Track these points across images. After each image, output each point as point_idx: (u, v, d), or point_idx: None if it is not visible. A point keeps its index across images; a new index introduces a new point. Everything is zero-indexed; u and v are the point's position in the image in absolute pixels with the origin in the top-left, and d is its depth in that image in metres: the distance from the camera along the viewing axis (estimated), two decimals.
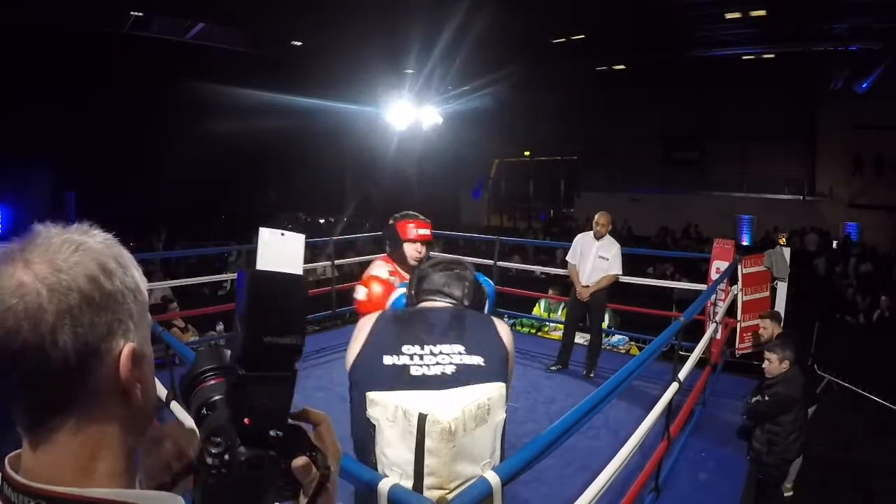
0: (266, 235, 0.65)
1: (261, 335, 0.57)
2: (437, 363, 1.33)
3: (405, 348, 1.35)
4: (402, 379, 1.30)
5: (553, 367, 4.94)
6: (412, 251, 2.64)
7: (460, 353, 1.34)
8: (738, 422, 4.12)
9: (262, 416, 0.58)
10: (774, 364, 3.67)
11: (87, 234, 0.60)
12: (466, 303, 1.54)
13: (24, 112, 9.88)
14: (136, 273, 0.61)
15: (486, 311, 1.70)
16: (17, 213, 11.02)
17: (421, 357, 1.34)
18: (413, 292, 1.59)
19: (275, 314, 0.57)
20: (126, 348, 0.55)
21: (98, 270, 0.55)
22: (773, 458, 3.51)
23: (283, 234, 0.65)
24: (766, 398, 3.62)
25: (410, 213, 2.73)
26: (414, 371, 1.31)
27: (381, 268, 2.67)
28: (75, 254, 0.55)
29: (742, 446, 3.73)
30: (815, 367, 6.22)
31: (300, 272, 0.61)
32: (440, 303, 1.52)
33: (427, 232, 2.68)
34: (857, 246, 13.36)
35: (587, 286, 4.76)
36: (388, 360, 1.34)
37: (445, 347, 1.36)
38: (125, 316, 0.56)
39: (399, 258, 2.67)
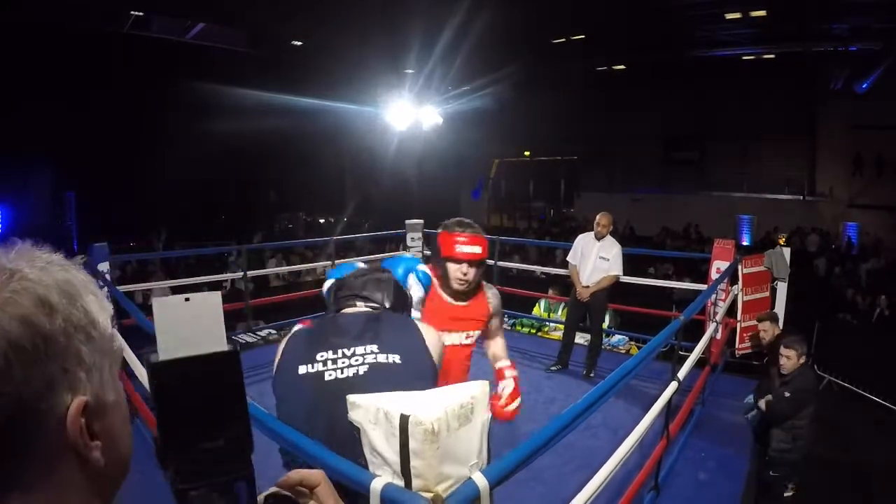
0: (163, 306, 0.48)
1: (183, 442, 0.47)
2: (350, 365, 1.31)
3: (319, 356, 1.33)
4: (316, 386, 1.30)
5: (553, 368, 4.94)
6: (456, 273, 2.10)
7: (374, 353, 1.32)
8: (738, 422, 4.11)
9: None
10: (793, 360, 3.69)
11: (24, 259, 0.47)
12: (387, 305, 1.50)
13: (24, 112, 9.88)
14: (93, 301, 0.49)
15: (415, 307, 1.73)
16: (17, 213, 11.03)
17: (334, 362, 1.32)
18: (332, 300, 1.54)
19: (195, 413, 0.46)
20: (75, 403, 0.45)
21: (35, 308, 0.44)
22: (797, 454, 3.58)
23: (187, 300, 0.49)
24: (787, 395, 3.63)
25: (465, 220, 2.17)
26: (328, 376, 1.30)
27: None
28: (5, 289, 0.44)
29: (742, 447, 3.72)
30: (815, 367, 6.22)
31: (224, 342, 0.48)
32: (359, 308, 1.48)
33: (478, 250, 2.11)
34: (861, 248, 13.36)
35: (587, 286, 4.76)
36: (302, 369, 1.33)
37: (359, 349, 1.33)
38: (72, 362, 0.46)
39: (441, 276, 2.14)
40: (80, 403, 0.45)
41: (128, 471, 0.51)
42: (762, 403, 3.73)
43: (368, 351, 1.33)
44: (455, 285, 2.13)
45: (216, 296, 0.50)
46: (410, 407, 1.03)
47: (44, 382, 0.44)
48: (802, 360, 3.70)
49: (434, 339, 1.43)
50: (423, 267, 1.87)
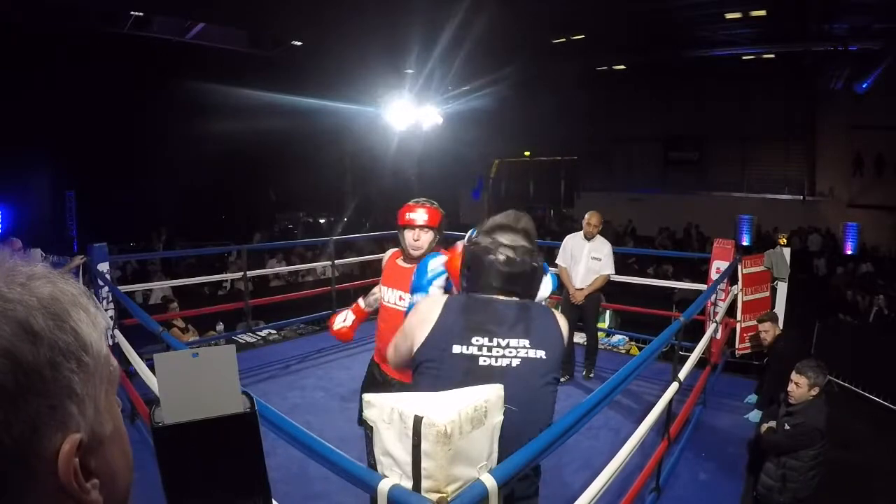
0: (166, 362, 0.42)
1: None
2: (504, 356, 1.40)
3: (475, 339, 1.40)
4: (469, 368, 1.38)
5: (562, 380, 4.81)
6: (409, 238, 2.42)
7: (526, 348, 1.41)
8: (739, 422, 4.12)
9: None
10: (803, 389, 3.19)
11: (1, 274, 0.41)
12: (533, 294, 1.56)
13: (24, 112, 9.88)
14: (84, 319, 0.43)
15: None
16: (18, 213, 11.02)
17: (490, 349, 1.40)
18: (474, 279, 1.52)
19: (207, 483, 0.42)
20: (66, 444, 0.39)
21: (15, 336, 0.38)
22: (786, 497, 3.10)
23: (195, 355, 0.43)
24: (787, 428, 3.15)
25: (422, 198, 2.51)
26: (482, 361, 1.39)
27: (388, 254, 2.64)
28: None
29: (743, 448, 3.73)
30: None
31: (239, 401, 0.43)
32: (509, 297, 1.49)
33: (424, 216, 2.41)
34: (861, 248, 13.38)
35: (581, 289, 4.67)
36: (457, 349, 1.40)
37: (513, 341, 1.41)
38: (61, 396, 0.40)
39: (401, 246, 2.49)
40: (73, 443, 0.40)
41: (128, 501, 0.46)
42: (763, 428, 3.34)
43: (521, 345, 1.42)
44: (410, 251, 2.43)
45: (230, 350, 0.46)
46: (425, 408, 1.04)
47: (28, 425, 0.38)
48: (814, 393, 3.18)
49: (566, 328, 1.52)
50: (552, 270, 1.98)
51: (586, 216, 4.78)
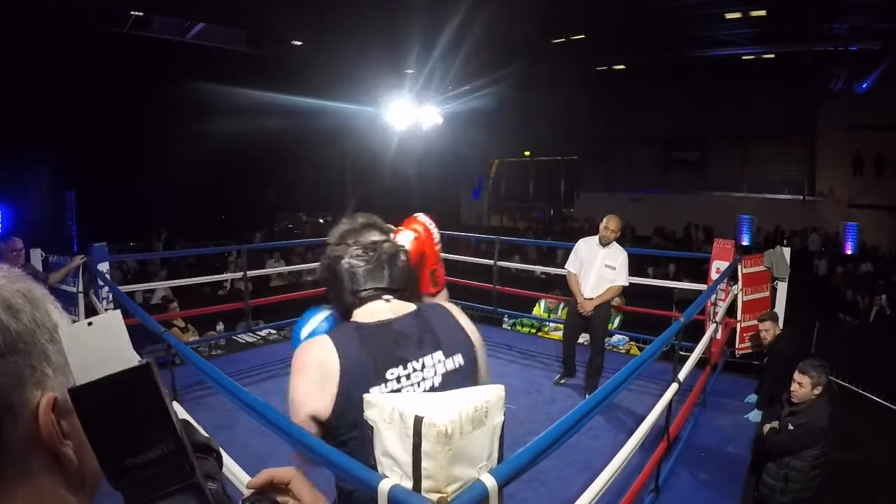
0: (70, 333, 0.48)
1: (117, 462, 0.47)
2: (424, 378, 1.25)
3: (389, 373, 1.23)
4: None
5: (562, 381, 4.67)
6: None
7: (441, 361, 1.27)
8: (738, 422, 4.12)
9: None
10: (806, 389, 3.20)
11: None
12: (407, 285, 1.37)
13: (24, 112, 9.87)
14: (54, 309, 0.51)
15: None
16: (18, 213, 11.02)
17: (408, 378, 1.24)
18: (341, 294, 1.34)
19: (121, 431, 0.47)
20: (45, 398, 0.46)
21: (1, 310, 0.46)
22: (788, 497, 3.10)
23: (90, 324, 0.48)
24: (791, 428, 3.15)
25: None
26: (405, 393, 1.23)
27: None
28: None
29: (743, 448, 3.73)
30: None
31: (133, 357, 0.48)
32: (387, 301, 1.33)
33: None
34: (861, 248, 13.39)
35: (590, 298, 4.31)
36: (375, 391, 1.21)
37: (427, 359, 1.26)
38: (39, 360, 0.47)
39: None
40: (50, 398, 0.47)
41: (100, 479, 0.51)
42: (766, 428, 3.34)
43: (436, 359, 1.27)
44: None
45: (116, 315, 0.50)
46: (425, 408, 1.03)
47: (13, 377, 0.45)
48: (817, 392, 3.20)
49: (467, 320, 1.35)
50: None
51: (604, 220, 4.41)
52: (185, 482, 0.49)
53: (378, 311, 1.31)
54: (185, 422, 0.62)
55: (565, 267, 4.63)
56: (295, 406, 1.26)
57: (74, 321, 0.50)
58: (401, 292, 1.36)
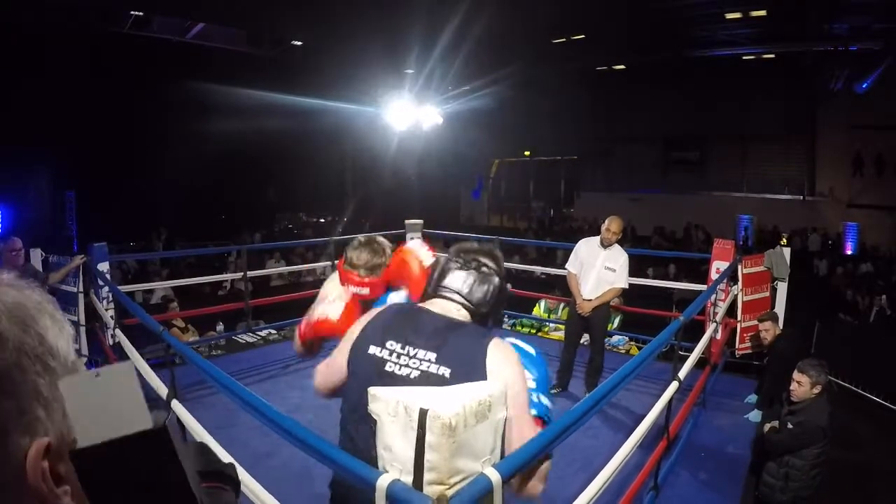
0: (71, 386, 0.41)
1: None
2: (407, 365, 1.32)
3: (389, 343, 1.36)
4: (378, 371, 1.33)
5: (553, 391, 4.61)
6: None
7: (430, 361, 1.32)
8: (738, 422, 4.12)
9: None
10: (805, 388, 3.20)
11: None
12: (484, 310, 1.45)
13: (24, 112, 9.88)
14: (50, 326, 0.43)
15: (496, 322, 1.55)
16: (18, 213, 11.03)
17: (398, 356, 1.34)
18: (430, 284, 1.51)
19: (132, 500, 0.41)
20: (34, 447, 0.39)
21: None
22: (788, 496, 3.10)
23: (97, 375, 0.42)
24: (790, 426, 3.16)
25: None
26: (387, 367, 1.34)
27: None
28: None
29: (742, 448, 3.73)
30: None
31: (147, 417, 0.42)
32: (452, 303, 1.44)
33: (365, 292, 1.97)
34: (860, 248, 13.39)
35: (589, 300, 4.28)
36: (371, 349, 1.38)
37: (420, 352, 1.33)
38: (28, 399, 0.40)
39: None
40: (41, 447, 0.39)
41: None
42: (765, 428, 3.34)
43: (427, 358, 1.33)
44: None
45: (128, 366, 0.44)
46: (430, 401, 1.04)
47: None
48: (816, 391, 3.20)
49: (503, 363, 1.32)
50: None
51: (606, 222, 4.36)
52: None
53: (435, 304, 1.45)
54: (203, 446, 0.58)
55: (565, 267, 4.59)
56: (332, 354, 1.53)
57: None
58: (474, 307, 1.44)
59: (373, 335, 1.40)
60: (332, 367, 1.50)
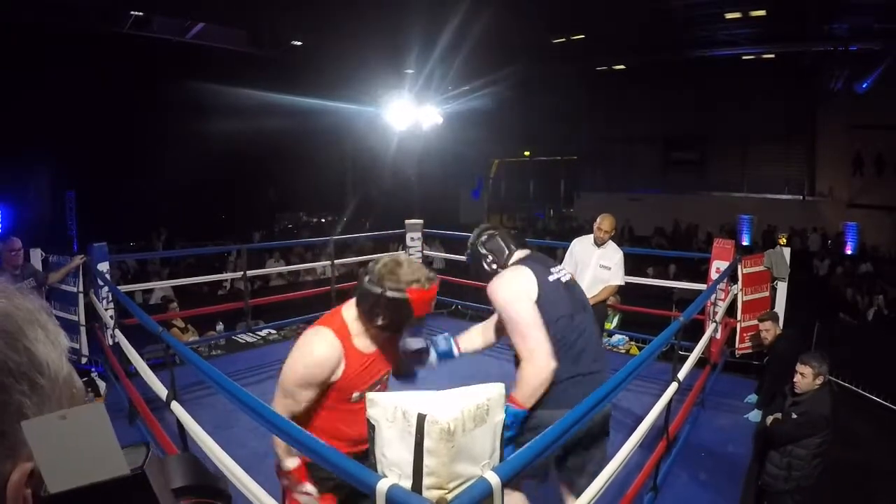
0: (36, 429, 0.38)
1: None
2: (565, 273, 2.25)
3: (552, 269, 2.19)
4: (563, 284, 2.16)
5: None
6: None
7: (562, 270, 2.26)
8: (738, 422, 4.12)
9: None
10: (808, 379, 3.29)
11: None
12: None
13: (24, 112, 9.87)
14: (40, 337, 0.41)
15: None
16: (18, 213, 11.02)
17: (558, 272, 2.20)
18: (503, 248, 2.25)
19: None
20: (16, 473, 0.37)
21: None
22: (790, 485, 3.19)
23: (63, 417, 0.38)
24: (794, 416, 3.24)
25: (422, 266, 1.80)
26: (562, 279, 2.18)
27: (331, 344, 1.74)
28: None
29: (742, 448, 3.73)
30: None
31: (122, 462, 0.39)
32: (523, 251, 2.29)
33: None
34: (860, 249, 13.39)
35: None
36: (550, 278, 2.13)
37: (557, 266, 2.27)
38: (10, 422, 0.37)
39: (386, 325, 1.74)
40: (24, 473, 0.37)
41: None
42: (770, 420, 3.41)
43: (561, 268, 2.26)
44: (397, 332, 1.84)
45: (97, 408, 0.40)
46: (428, 406, 1.04)
47: None
48: (819, 382, 3.28)
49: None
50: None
51: (598, 220, 4.36)
52: None
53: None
54: (193, 458, 0.55)
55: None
56: (514, 305, 2.08)
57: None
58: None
59: (542, 275, 2.10)
60: (537, 320, 1.99)
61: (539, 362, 1.92)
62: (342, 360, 1.70)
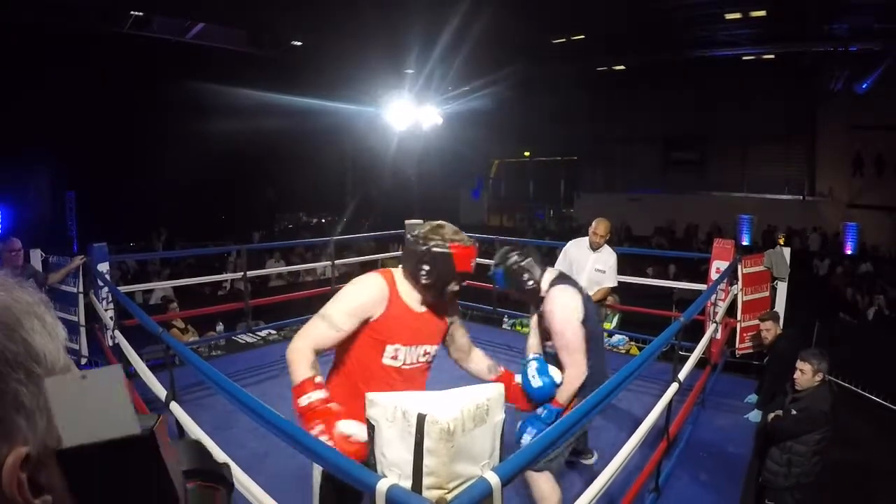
0: (57, 386, 0.42)
1: None
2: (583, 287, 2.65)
3: (578, 286, 2.57)
4: (591, 303, 2.57)
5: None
6: (454, 286, 1.91)
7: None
8: (739, 422, 4.12)
9: None
10: (808, 375, 3.33)
11: None
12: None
13: (24, 112, 9.87)
14: (37, 329, 0.42)
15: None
16: (18, 213, 11.02)
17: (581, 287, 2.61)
18: (535, 269, 2.49)
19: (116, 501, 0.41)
20: (11, 457, 0.38)
21: None
22: (790, 482, 3.22)
23: (84, 377, 0.42)
24: (794, 412, 3.27)
25: (453, 227, 1.96)
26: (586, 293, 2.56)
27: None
28: None
29: (743, 448, 3.72)
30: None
31: (134, 422, 0.42)
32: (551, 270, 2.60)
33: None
34: (860, 249, 13.39)
35: None
36: (584, 296, 2.52)
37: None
38: (8, 408, 0.39)
39: (430, 285, 1.86)
40: (18, 456, 0.39)
41: None
42: (770, 416, 3.44)
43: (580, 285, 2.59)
44: (440, 296, 1.90)
45: (116, 370, 0.43)
46: (427, 406, 1.04)
47: None
48: (819, 378, 3.32)
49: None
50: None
51: (593, 225, 4.42)
52: None
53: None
54: (198, 444, 0.57)
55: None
56: (569, 323, 2.42)
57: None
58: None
59: (580, 293, 2.49)
60: (582, 339, 2.38)
61: (580, 373, 2.37)
62: (386, 300, 1.81)
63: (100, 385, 0.42)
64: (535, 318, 2.70)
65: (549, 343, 2.54)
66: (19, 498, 0.39)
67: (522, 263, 2.48)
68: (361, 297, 1.80)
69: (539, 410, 2.31)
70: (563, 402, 2.30)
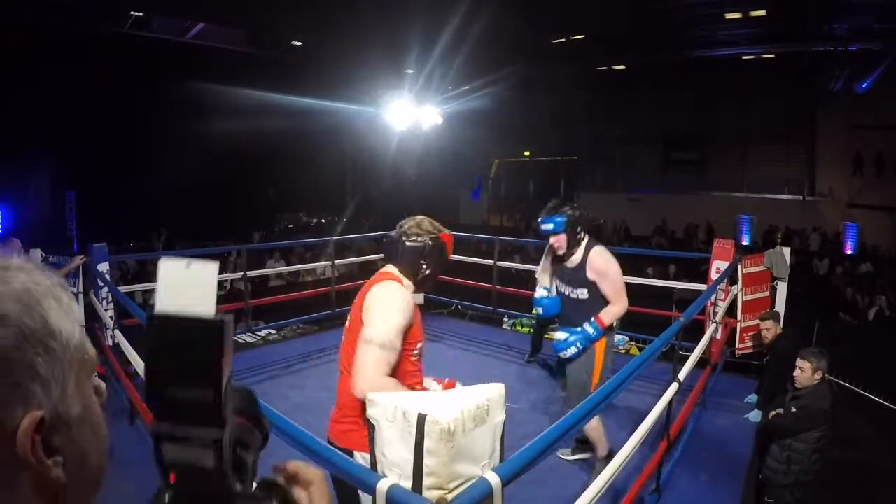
0: (168, 268, 0.50)
1: (160, 386, 0.49)
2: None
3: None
4: None
5: (531, 359, 5.09)
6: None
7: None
8: (739, 422, 4.12)
9: (188, 476, 0.50)
10: (807, 374, 3.37)
11: None
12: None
13: (24, 112, 9.87)
14: (54, 308, 0.46)
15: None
16: (18, 213, 11.02)
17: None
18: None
19: (177, 363, 0.49)
20: (27, 419, 0.42)
21: None
22: (790, 479, 3.24)
23: (188, 266, 0.51)
24: (794, 410, 3.31)
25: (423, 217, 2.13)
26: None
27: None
28: None
29: (743, 447, 3.73)
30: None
31: (212, 310, 0.50)
32: None
33: None
34: (860, 249, 13.38)
35: None
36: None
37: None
38: (25, 376, 0.43)
39: (427, 279, 2.05)
40: (34, 419, 0.42)
41: (100, 484, 0.50)
42: (772, 414, 3.46)
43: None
44: (433, 286, 2.14)
45: (213, 266, 0.52)
46: (428, 406, 1.04)
47: None
48: (818, 377, 3.36)
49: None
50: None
51: None
52: (211, 432, 0.51)
53: None
54: (248, 392, 0.63)
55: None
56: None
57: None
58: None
59: None
60: (622, 281, 3.09)
61: (623, 307, 3.04)
62: (412, 307, 1.89)
63: (198, 274, 0.51)
64: (547, 262, 3.35)
65: (571, 289, 3.12)
66: (32, 458, 0.42)
67: (582, 216, 2.98)
68: (405, 314, 1.83)
69: (586, 326, 2.95)
70: (606, 323, 2.99)
